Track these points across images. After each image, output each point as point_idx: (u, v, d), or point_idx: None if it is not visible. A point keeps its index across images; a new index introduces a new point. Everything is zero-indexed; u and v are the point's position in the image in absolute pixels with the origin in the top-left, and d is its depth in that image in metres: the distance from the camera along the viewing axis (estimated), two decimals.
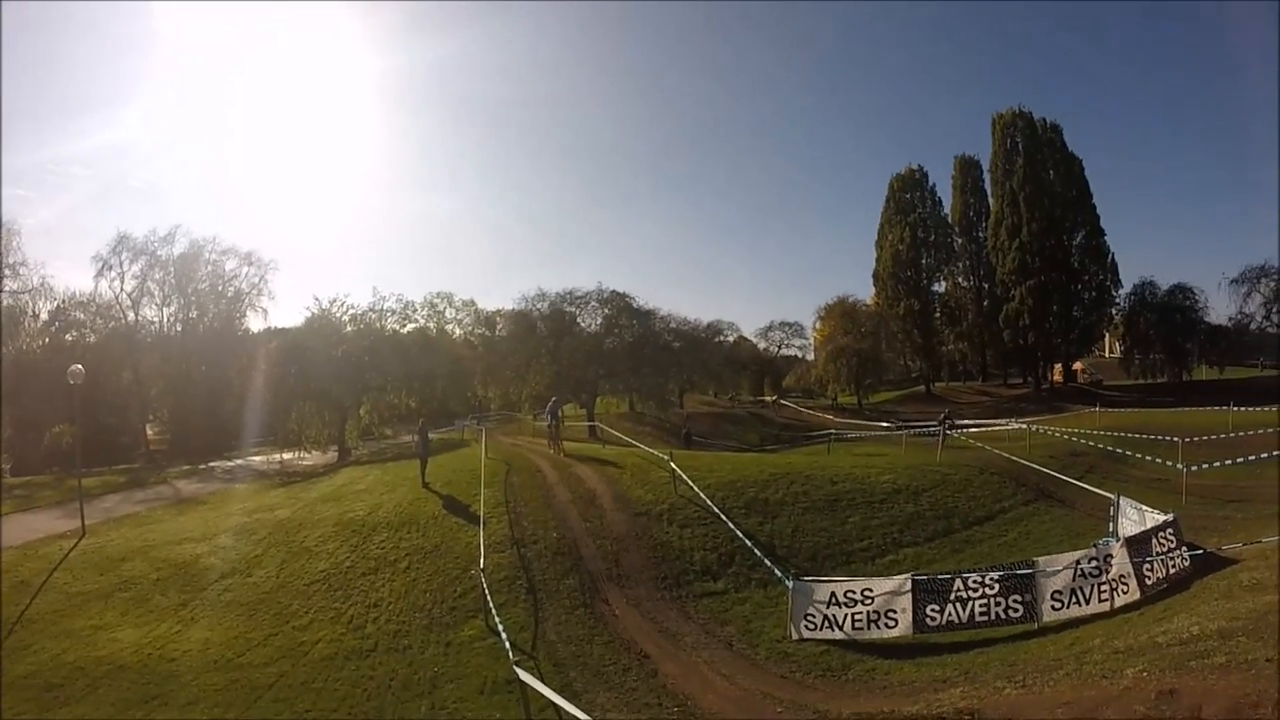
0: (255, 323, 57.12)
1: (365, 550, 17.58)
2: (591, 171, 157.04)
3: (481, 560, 15.45)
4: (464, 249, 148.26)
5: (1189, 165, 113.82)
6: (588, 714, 8.30)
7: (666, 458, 21.69)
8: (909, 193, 73.49)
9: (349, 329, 45.84)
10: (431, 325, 53.17)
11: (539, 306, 52.44)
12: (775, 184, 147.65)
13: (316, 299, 45.45)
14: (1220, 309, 63.70)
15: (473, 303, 58.19)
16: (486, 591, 14.05)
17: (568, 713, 8.96)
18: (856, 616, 12.72)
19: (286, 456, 42.16)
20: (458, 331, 57.23)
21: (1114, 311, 67.95)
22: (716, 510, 18.07)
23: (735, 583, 15.48)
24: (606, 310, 53.22)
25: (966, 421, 38.97)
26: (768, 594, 14.81)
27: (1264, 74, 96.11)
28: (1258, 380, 54.14)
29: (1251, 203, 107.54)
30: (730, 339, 73.24)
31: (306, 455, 42.98)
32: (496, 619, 12.96)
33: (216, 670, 12.88)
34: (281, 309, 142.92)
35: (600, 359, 51.14)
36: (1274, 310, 58.46)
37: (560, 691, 10.06)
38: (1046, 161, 67.11)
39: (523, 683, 10.55)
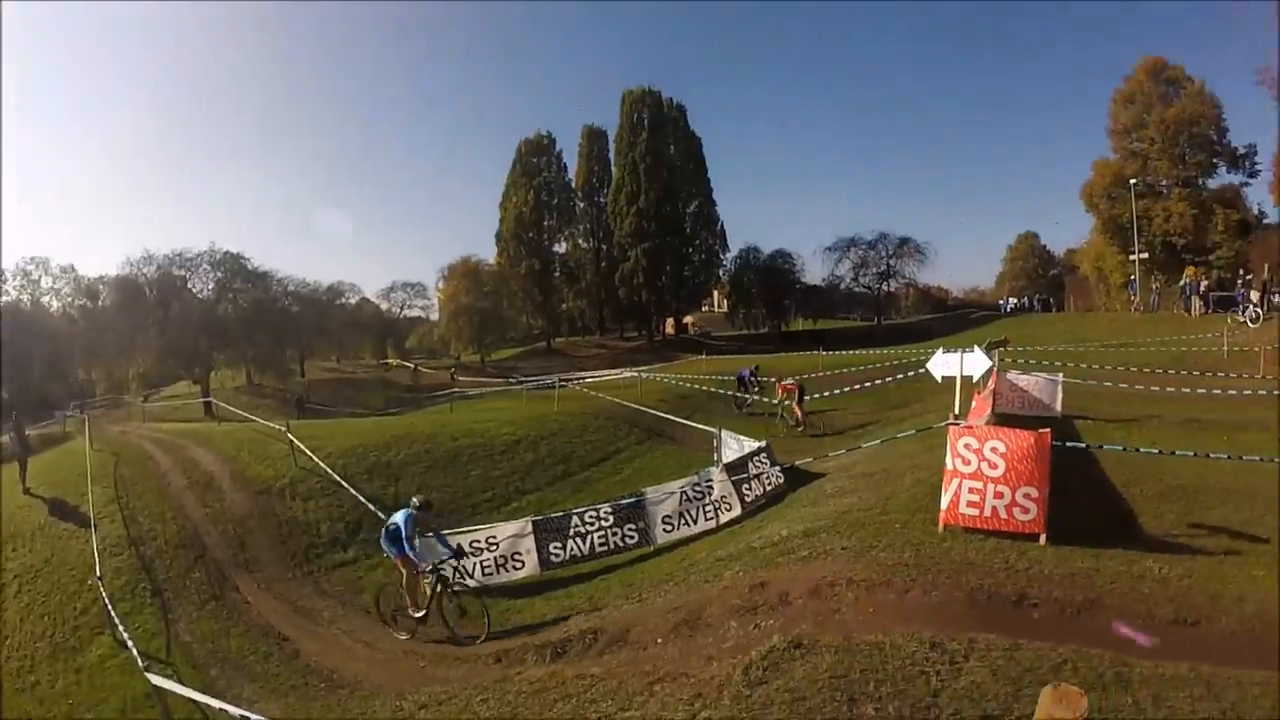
0: None
1: None
2: (195, 115, 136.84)
3: (98, 568, 13.30)
4: (61, 202, 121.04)
5: (794, 151, 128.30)
6: (234, 709, 7.42)
7: (283, 429, 20.19)
8: (536, 157, 74.94)
9: None
10: (25, 298, 44.88)
11: (145, 271, 45.86)
12: (402, 144, 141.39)
13: None
14: (815, 271, 74.67)
15: (72, 269, 49.45)
16: (108, 603, 12.19)
17: (213, 709, 8.04)
18: (485, 564, 12.71)
19: None
20: (56, 304, 48.52)
21: (721, 272, 75.99)
22: (338, 479, 17.20)
23: (365, 550, 14.88)
24: (219, 273, 48.22)
25: (583, 373, 41.23)
26: None
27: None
28: (846, 330, 65.20)
29: (846, 187, 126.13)
30: (352, 301, 69.76)
31: None
32: (123, 631, 11.24)
33: None
34: None
35: (213, 328, 45.99)
36: (860, 274, 71.46)
37: (203, 692, 8.85)
38: (669, 137, 72.59)
39: (164, 691, 9.20)
